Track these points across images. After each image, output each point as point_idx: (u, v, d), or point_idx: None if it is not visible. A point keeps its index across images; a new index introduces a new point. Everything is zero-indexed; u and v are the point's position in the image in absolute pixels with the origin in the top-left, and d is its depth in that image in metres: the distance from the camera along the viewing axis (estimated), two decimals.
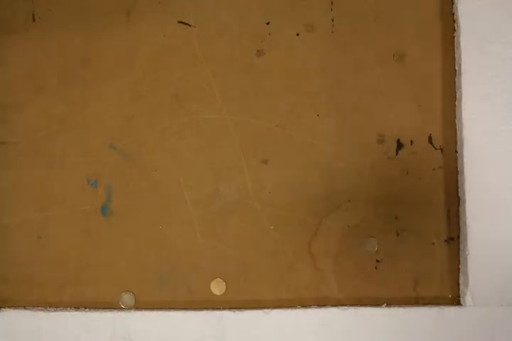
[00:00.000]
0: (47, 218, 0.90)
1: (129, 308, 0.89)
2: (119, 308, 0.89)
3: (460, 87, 0.88)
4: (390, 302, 0.89)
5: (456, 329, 0.86)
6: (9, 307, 0.89)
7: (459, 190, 0.89)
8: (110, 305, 0.90)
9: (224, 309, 0.88)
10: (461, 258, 0.89)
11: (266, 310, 0.88)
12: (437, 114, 0.90)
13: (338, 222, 0.90)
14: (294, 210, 0.90)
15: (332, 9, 0.91)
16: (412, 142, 0.90)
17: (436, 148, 0.90)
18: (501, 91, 0.87)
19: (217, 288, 0.89)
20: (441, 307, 0.87)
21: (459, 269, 0.89)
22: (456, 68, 0.89)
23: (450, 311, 0.87)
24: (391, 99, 0.90)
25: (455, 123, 0.89)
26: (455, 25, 0.89)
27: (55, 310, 0.89)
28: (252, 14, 0.91)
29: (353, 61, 0.90)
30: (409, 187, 0.89)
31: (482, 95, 0.87)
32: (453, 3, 0.90)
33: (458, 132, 0.89)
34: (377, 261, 0.89)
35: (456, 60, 0.89)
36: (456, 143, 0.89)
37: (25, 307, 0.89)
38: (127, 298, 0.89)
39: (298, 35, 0.91)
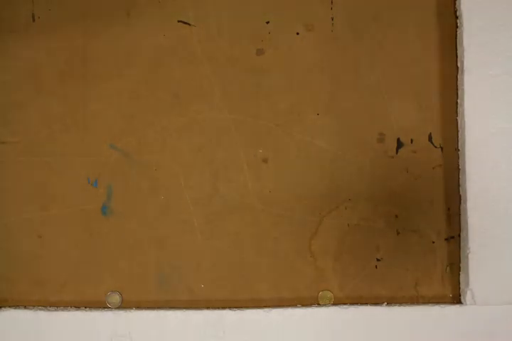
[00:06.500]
0: (47, 217, 0.90)
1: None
2: (119, 307, 0.89)
3: (462, 85, 0.88)
4: (391, 301, 0.89)
5: (456, 327, 0.86)
6: (9, 306, 0.89)
7: (460, 188, 0.89)
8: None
9: (224, 309, 0.88)
10: (461, 257, 0.89)
11: (266, 310, 0.88)
12: (437, 113, 0.90)
13: (339, 220, 0.90)
14: (294, 209, 0.90)
15: (332, 8, 0.91)
16: (412, 141, 0.90)
17: (436, 147, 0.90)
18: (504, 90, 0.87)
19: None
20: (442, 305, 0.87)
21: (459, 268, 0.89)
22: (459, 65, 0.89)
23: (451, 310, 0.87)
24: (391, 98, 0.90)
25: (455, 122, 0.89)
26: (458, 22, 0.89)
27: (55, 310, 0.89)
28: (252, 13, 0.91)
29: (353, 60, 0.91)
30: (409, 185, 0.89)
31: (484, 93, 0.87)
32: (455, 0, 0.90)
33: (460, 130, 0.89)
34: (378, 259, 0.89)
35: (459, 57, 0.89)
36: (456, 141, 0.89)
37: (25, 307, 0.89)
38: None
39: (298, 34, 0.91)
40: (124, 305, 0.90)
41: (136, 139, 0.91)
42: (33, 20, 0.92)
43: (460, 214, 0.89)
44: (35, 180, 0.91)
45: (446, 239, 0.89)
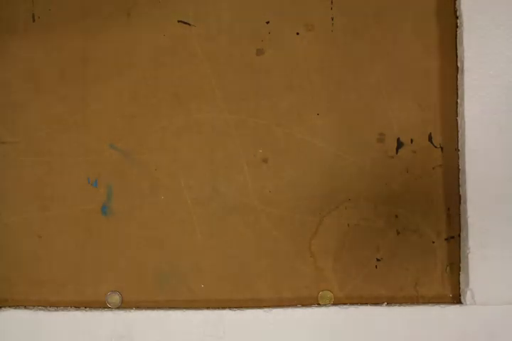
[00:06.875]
0: (47, 217, 0.90)
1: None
2: (119, 307, 0.89)
3: (462, 85, 0.88)
4: (391, 301, 0.89)
5: (456, 327, 0.86)
6: (9, 306, 0.89)
7: (460, 188, 0.89)
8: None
9: (224, 309, 0.88)
10: (461, 257, 0.89)
11: (266, 309, 0.88)
12: (437, 113, 0.90)
13: (338, 220, 0.90)
14: (294, 209, 0.90)
15: (332, 8, 0.91)
16: (412, 141, 0.90)
17: (436, 147, 0.90)
18: (504, 89, 0.87)
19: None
20: (442, 305, 0.87)
21: (459, 268, 0.89)
22: (459, 65, 0.89)
23: (451, 310, 0.87)
24: (391, 98, 0.90)
25: (455, 122, 0.89)
26: (458, 21, 0.89)
27: (55, 310, 0.89)
28: (252, 13, 0.91)
29: (353, 60, 0.90)
30: (409, 185, 0.89)
31: (484, 93, 0.87)
32: (455, 0, 0.89)
33: (460, 130, 0.89)
34: (378, 259, 0.89)
35: (459, 57, 0.89)
36: (456, 141, 0.89)
37: (25, 307, 0.89)
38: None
39: (298, 34, 0.91)
40: (124, 305, 0.90)
41: (136, 139, 0.91)
42: (33, 20, 0.92)
43: (460, 214, 0.89)
44: (35, 180, 0.91)
45: (446, 239, 0.89)
